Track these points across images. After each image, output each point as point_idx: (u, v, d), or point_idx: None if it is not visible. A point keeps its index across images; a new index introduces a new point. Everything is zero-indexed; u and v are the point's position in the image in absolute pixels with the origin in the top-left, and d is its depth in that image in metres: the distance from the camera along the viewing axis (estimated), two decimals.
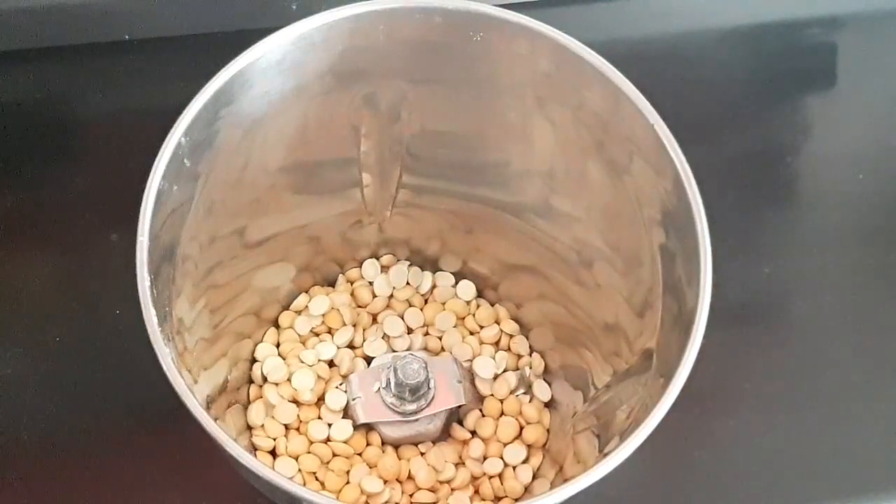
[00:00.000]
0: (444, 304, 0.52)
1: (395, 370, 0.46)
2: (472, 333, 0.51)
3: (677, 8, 0.64)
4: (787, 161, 0.60)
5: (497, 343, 0.51)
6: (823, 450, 0.51)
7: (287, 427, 0.48)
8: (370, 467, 0.47)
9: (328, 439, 0.48)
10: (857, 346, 0.54)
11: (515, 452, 0.48)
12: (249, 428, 0.48)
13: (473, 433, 0.49)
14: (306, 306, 0.51)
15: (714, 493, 0.50)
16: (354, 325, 0.50)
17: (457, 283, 0.52)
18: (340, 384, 0.49)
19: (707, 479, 0.50)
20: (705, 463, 0.50)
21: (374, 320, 0.51)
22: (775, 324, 0.54)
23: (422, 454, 0.48)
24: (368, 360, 0.50)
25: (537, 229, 0.47)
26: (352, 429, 0.48)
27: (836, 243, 0.57)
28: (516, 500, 0.47)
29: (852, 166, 0.59)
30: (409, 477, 0.47)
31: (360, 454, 0.48)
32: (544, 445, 0.49)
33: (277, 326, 0.51)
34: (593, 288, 0.46)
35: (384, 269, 0.52)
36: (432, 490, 0.47)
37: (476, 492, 0.48)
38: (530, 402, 0.50)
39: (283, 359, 0.50)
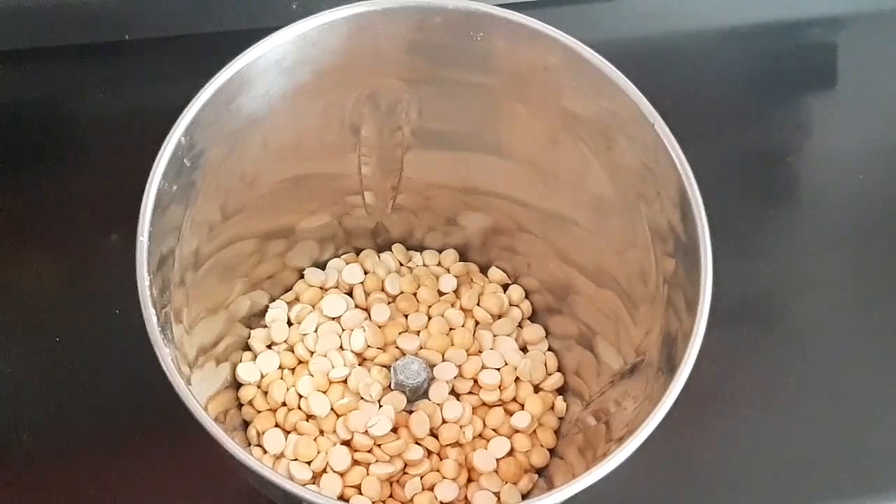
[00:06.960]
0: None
1: (396, 370, 0.47)
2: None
3: (677, 8, 0.64)
4: (787, 161, 0.60)
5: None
6: (823, 450, 0.51)
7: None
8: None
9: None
10: (857, 346, 0.54)
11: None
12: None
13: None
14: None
15: (714, 493, 0.50)
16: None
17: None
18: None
19: (707, 479, 0.50)
20: (705, 463, 0.50)
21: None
22: (775, 324, 0.54)
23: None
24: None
25: (537, 229, 0.47)
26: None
27: (836, 243, 0.57)
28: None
29: (852, 166, 0.59)
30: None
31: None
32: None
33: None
34: (593, 289, 0.46)
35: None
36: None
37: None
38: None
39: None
